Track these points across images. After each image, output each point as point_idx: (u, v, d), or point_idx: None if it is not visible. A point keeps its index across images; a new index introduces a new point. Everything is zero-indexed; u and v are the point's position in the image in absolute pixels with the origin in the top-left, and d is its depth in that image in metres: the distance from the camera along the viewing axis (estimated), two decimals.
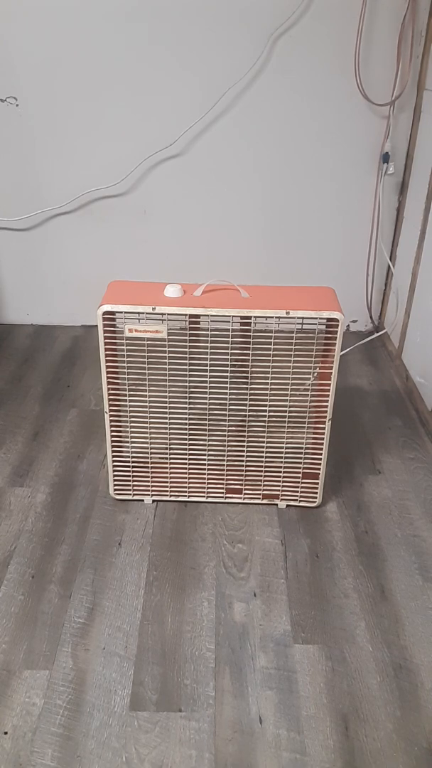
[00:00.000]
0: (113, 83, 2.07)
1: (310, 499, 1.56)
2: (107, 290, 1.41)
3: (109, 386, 1.43)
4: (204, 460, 1.53)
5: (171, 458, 1.53)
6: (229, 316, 1.33)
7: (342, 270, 2.35)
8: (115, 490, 1.58)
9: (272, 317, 1.33)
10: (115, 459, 1.53)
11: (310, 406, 1.45)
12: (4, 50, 2.03)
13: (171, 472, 1.55)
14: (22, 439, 1.81)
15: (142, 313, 1.34)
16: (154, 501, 1.59)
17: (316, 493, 1.55)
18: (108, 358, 1.40)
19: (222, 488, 1.57)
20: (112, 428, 1.49)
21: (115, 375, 1.43)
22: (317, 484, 1.54)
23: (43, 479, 1.65)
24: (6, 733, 1.08)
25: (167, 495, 1.58)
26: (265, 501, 1.58)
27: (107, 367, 1.40)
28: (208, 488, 1.57)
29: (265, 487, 1.56)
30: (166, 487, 1.57)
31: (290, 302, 1.35)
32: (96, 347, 2.26)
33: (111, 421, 1.48)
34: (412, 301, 2.10)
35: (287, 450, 1.50)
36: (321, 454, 1.49)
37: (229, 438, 1.49)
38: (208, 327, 1.35)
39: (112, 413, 1.47)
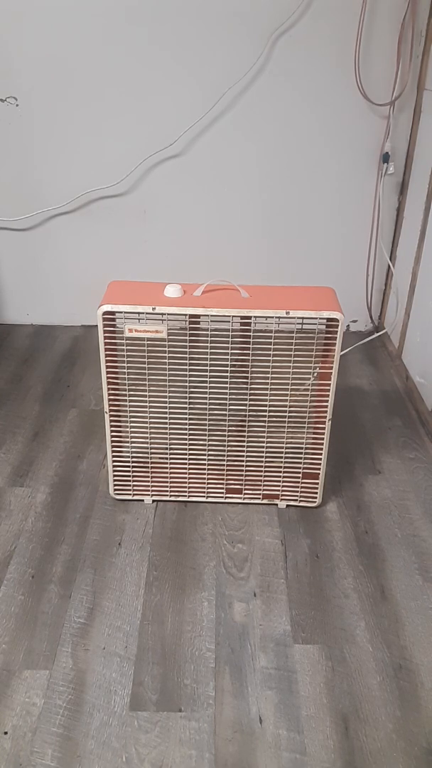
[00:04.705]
0: (113, 83, 2.07)
1: (310, 499, 1.56)
2: (107, 290, 1.41)
3: (109, 386, 1.43)
4: (204, 460, 1.53)
5: (171, 458, 1.53)
6: (229, 316, 1.33)
7: (342, 270, 2.35)
8: (115, 490, 1.58)
9: (272, 317, 1.33)
10: (115, 459, 1.53)
11: (310, 406, 1.45)
12: (4, 50, 2.03)
13: (171, 472, 1.55)
14: (22, 439, 1.81)
15: (142, 313, 1.34)
16: (154, 501, 1.59)
17: (316, 493, 1.55)
18: (108, 358, 1.40)
19: (222, 488, 1.57)
20: (112, 428, 1.49)
21: (115, 375, 1.43)
22: (317, 484, 1.54)
23: (43, 479, 1.65)
24: (6, 733, 1.08)
25: (167, 495, 1.58)
26: (265, 501, 1.58)
27: (107, 367, 1.40)
28: (208, 488, 1.57)
29: (265, 487, 1.56)
30: (166, 487, 1.57)
31: (290, 302, 1.35)
32: (96, 347, 2.26)
33: (111, 421, 1.48)
34: (412, 301, 2.10)
35: (287, 450, 1.50)
36: (321, 454, 1.49)
37: (229, 438, 1.49)
38: (208, 327, 1.35)
39: (112, 413, 1.47)
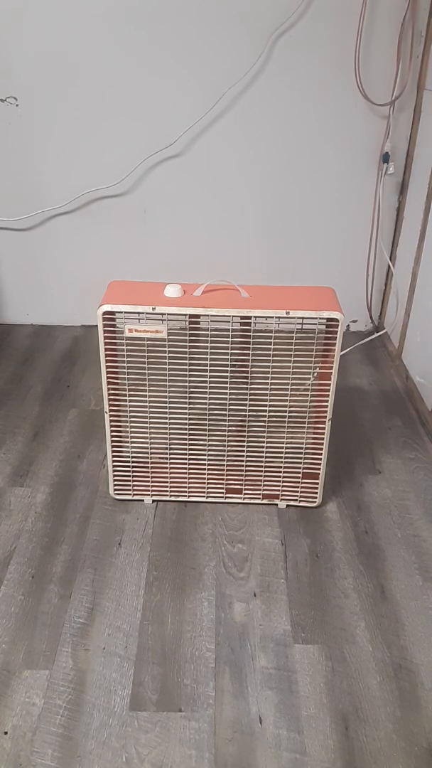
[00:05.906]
0: (113, 83, 2.07)
1: (310, 499, 1.56)
2: (107, 290, 1.41)
3: (109, 386, 1.43)
4: (204, 460, 1.53)
5: (171, 458, 1.53)
6: (229, 316, 1.33)
7: (342, 270, 2.35)
8: (115, 490, 1.58)
9: (272, 317, 1.33)
10: (115, 459, 1.53)
11: (310, 406, 1.45)
12: (4, 50, 2.03)
13: (171, 472, 1.55)
14: (22, 439, 1.81)
15: (142, 313, 1.34)
16: (154, 501, 1.59)
17: (316, 493, 1.55)
18: (108, 358, 1.40)
19: (222, 488, 1.57)
20: (112, 428, 1.49)
21: (115, 375, 1.43)
22: (317, 484, 1.54)
23: (43, 479, 1.65)
24: (6, 733, 1.08)
25: (167, 495, 1.58)
26: (265, 501, 1.58)
27: (107, 367, 1.40)
28: (208, 488, 1.57)
29: (265, 487, 1.56)
30: (166, 487, 1.57)
31: (290, 302, 1.35)
32: (96, 347, 2.26)
33: (111, 421, 1.48)
34: (412, 301, 2.10)
35: (287, 450, 1.50)
36: (321, 454, 1.49)
37: (229, 438, 1.49)
38: (208, 327, 1.35)
39: (112, 413, 1.47)
